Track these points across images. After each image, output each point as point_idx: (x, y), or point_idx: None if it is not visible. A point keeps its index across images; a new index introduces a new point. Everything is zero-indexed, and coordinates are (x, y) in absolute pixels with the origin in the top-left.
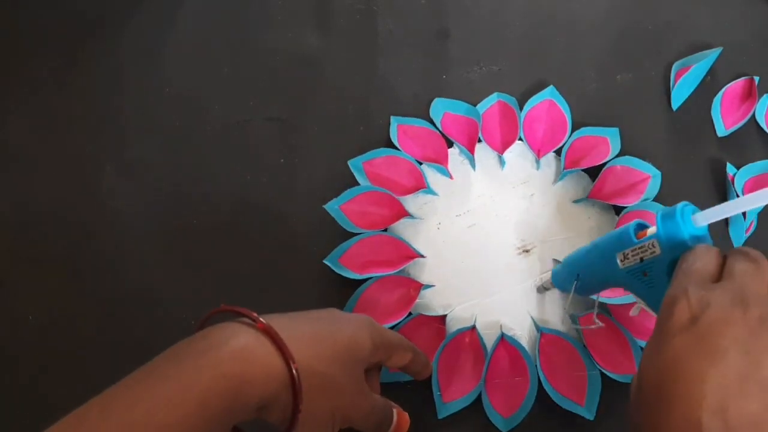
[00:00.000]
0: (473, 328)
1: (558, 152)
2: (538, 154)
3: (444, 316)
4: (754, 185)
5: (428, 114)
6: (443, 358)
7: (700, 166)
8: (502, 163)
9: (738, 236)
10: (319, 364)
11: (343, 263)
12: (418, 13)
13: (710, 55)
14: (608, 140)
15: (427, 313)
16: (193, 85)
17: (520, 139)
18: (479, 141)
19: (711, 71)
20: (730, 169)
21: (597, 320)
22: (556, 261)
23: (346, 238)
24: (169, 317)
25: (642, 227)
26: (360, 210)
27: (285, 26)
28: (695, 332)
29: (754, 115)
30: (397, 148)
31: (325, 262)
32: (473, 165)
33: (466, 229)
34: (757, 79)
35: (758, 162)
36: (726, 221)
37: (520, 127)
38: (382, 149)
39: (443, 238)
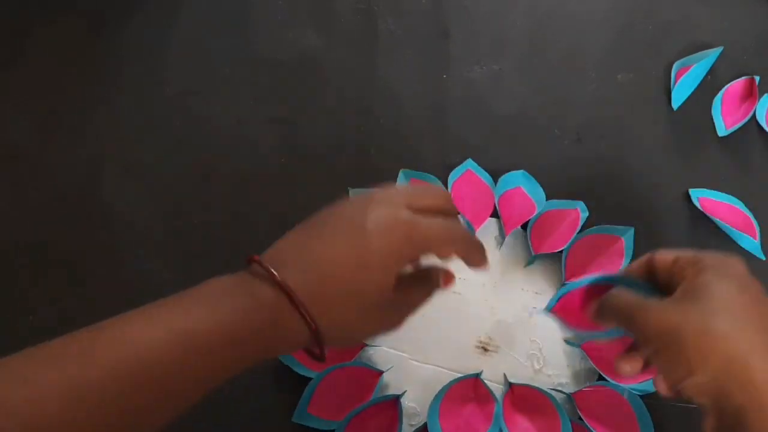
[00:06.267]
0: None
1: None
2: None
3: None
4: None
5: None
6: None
7: (699, 166)
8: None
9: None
10: (346, 325)
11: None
12: (418, 13)
13: (710, 55)
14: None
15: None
16: (193, 85)
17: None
18: None
19: (711, 71)
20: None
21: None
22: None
23: None
24: None
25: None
26: None
27: (285, 26)
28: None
29: (754, 115)
30: None
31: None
32: None
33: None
34: (757, 79)
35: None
36: None
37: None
38: None
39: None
